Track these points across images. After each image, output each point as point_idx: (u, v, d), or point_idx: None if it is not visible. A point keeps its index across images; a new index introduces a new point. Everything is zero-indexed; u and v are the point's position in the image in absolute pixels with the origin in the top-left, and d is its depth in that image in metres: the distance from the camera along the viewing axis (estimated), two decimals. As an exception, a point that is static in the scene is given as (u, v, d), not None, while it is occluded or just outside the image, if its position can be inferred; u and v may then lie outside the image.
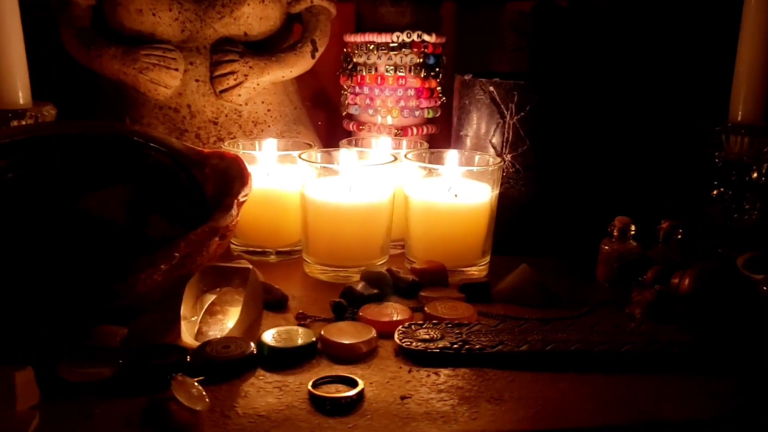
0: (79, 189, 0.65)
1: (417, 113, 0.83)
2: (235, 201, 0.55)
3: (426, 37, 0.81)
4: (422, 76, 0.82)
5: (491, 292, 0.62)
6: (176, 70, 0.77)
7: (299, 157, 0.65)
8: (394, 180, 0.66)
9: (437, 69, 0.83)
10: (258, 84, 0.79)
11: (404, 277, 0.62)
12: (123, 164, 0.66)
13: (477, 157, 0.70)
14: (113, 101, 0.81)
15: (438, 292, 0.61)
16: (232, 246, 0.71)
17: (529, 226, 0.73)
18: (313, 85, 0.97)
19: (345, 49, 0.85)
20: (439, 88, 0.84)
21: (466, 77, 0.73)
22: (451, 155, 0.70)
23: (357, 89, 0.84)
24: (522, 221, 0.72)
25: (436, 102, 0.85)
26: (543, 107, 0.70)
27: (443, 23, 0.88)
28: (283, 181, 0.68)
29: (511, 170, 0.72)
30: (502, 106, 0.71)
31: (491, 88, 0.71)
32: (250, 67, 0.78)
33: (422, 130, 0.84)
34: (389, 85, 0.82)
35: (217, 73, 0.78)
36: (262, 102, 0.81)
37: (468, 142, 0.74)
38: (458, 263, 0.66)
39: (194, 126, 0.79)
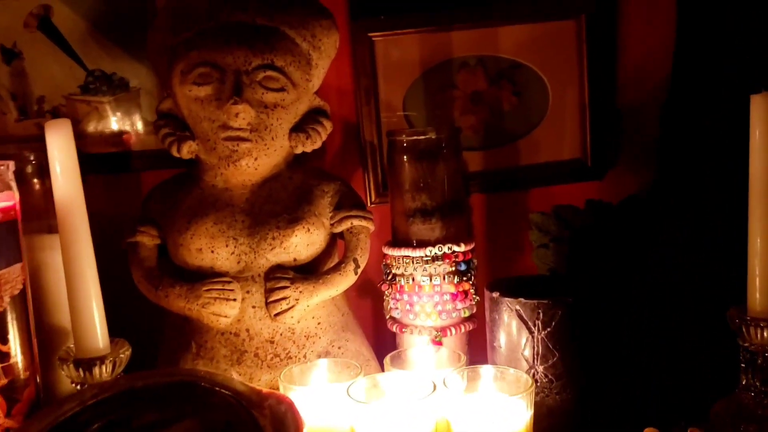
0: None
1: (454, 315, 0.91)
2: (294, 461, 0.62)
3: (456, 248, 0.89)
4: (455, 281, 0.90)
5: None
6: (234, 300, 0.86)
7: (347, 393, 0.72)
8: (436, 406, 0.72)
9: (469, 273, 0.91)
10: (308, 306, 0.87)
11: (451, 505, 0.68)
12: (191, 403, 0.75)
13: (511, 372, 0.76)
14: (179, 329, 0.90)
15: None
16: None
17: (566, 431, 0.78)
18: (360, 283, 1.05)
19: (384, 261, 0.93)
20: (472, 290, 0.91)
21: (494, 295, 0.80)
22: (486, 374, 0.76)
23: (397, 296, 0.92)
24: (559, 427, 0.78)
25: (471, 302, 0.92)
26: (567, 320, 0.76)
27: (473, 226, 0.96)
28: (334, 413, 0.75)
29: (544, 380, 0.78)
30: (530, 323, 0.77)
31: (517, 307, 0.78)
32: (301, 292, 0.87)
33: (460, 329, 0.91)
34: (426, 293, 0.90)
35: (272, 299, 0.86)
36: (312, 317, 0.90)
37: (501, 352, 0.80)
38: (502, 483, 0.71)
39: (253, 347, 0.87)
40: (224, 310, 0.86)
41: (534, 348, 0.77)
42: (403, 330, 0.92)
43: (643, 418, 0.74)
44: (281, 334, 0.88)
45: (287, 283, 0.87)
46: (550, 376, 0.77)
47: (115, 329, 0.83)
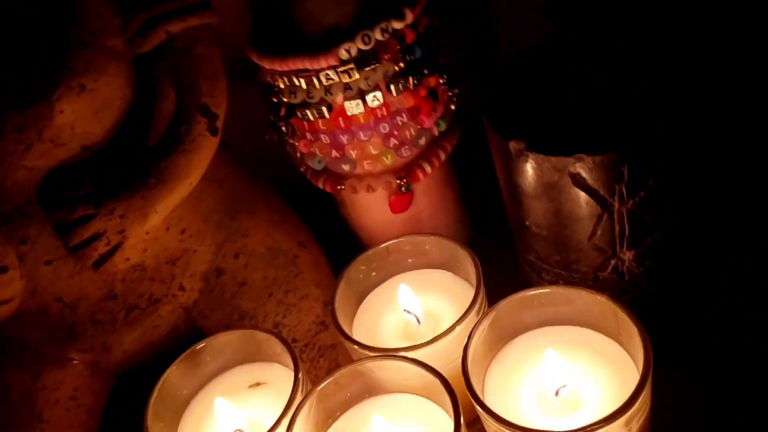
0: None
1: (422, 140, 0.48)
2: None
3: (395, 24, 0.43)
4: (412, 85, 0.45)
5: None
6: (4, 270, 0.43)
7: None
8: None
9: (431, 56, 0.46)
10: (148, 233, 0.45)
11: None
12: None
13: (583, 296, 0.38)
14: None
15: None
16: None
17: (673, 335, 0.43)
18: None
19: (262, 78, 0.47)
20: (442, 81, 0.48)
21: (513, 146, 0.37)
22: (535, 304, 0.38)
23: (308, 136, 0.48)
24: (660, 329, 0.43)
25: (446, 105, 0.49)
26: (676, 174, 0.36)
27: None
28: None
29: (637, 271, 0.40)
30: (601, 193, 0.37)
31: (578, 170, 0.36)
32: (121, 216, 0.43)
33: (439, 159, 0.49)
34: (362, 125, 0.46)
35: (74, 243, 0.43)
36: (167, 228, 0.47)
37: (540, 236, 0.41)
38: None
39: (83, 315, 0.47)
40: (-9, 297, 0.43)
41: (614, 229, 0.38)
42: (339, 187, 0.50)
43: None
44: (123, 281, 0.47)
45: (89, 207, 0.43)
46: (648, 263, 0.40)
47: None
